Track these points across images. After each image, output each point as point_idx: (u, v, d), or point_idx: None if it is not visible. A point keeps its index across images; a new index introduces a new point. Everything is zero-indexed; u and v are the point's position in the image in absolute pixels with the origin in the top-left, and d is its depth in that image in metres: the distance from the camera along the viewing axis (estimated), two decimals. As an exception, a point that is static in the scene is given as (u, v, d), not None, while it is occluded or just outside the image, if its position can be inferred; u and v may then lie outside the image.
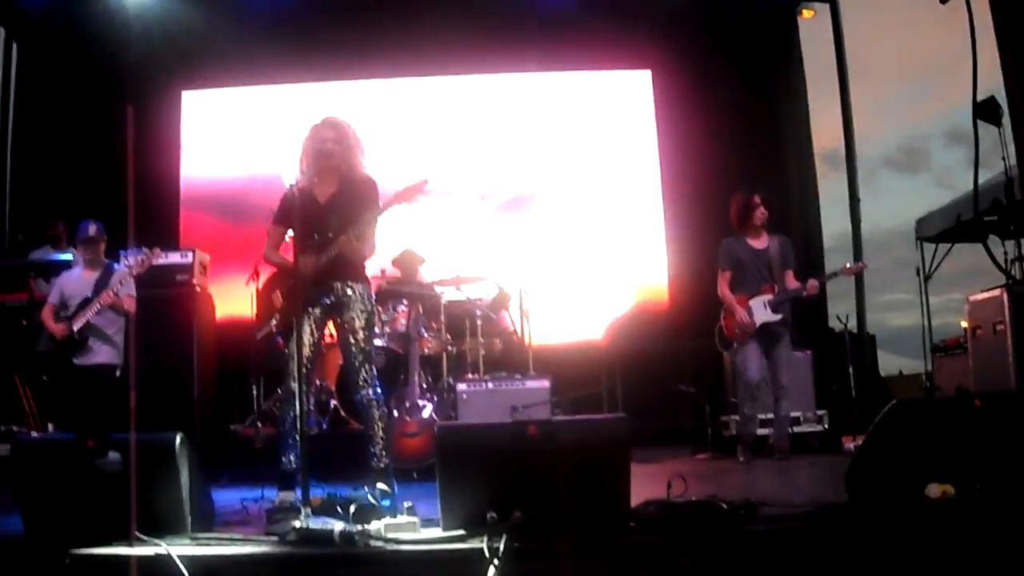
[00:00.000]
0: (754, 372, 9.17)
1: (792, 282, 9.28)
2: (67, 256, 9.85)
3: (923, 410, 5.51)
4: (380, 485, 6.49)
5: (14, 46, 13.46)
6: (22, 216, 12.90)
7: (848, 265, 9.62)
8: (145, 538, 4.97)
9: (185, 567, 4.75)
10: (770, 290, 9.22)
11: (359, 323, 6.68)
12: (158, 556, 4.86)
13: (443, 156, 12.90)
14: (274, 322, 7.06)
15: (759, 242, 9.39)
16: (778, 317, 9.17)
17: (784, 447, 9.17)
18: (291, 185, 6.45)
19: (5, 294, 10.39)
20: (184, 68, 13.22)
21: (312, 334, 6.67)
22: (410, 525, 5.24)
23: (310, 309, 6.63)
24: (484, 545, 4.68)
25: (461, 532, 5.03)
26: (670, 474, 5.70)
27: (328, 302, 6.70)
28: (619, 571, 4.72)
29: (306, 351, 6.60)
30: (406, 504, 5.53)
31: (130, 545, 4.85)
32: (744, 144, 12.79)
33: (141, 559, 4.84)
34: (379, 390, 6.73)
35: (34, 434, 9.10)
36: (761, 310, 9.19)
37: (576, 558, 4.72)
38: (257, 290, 10.10)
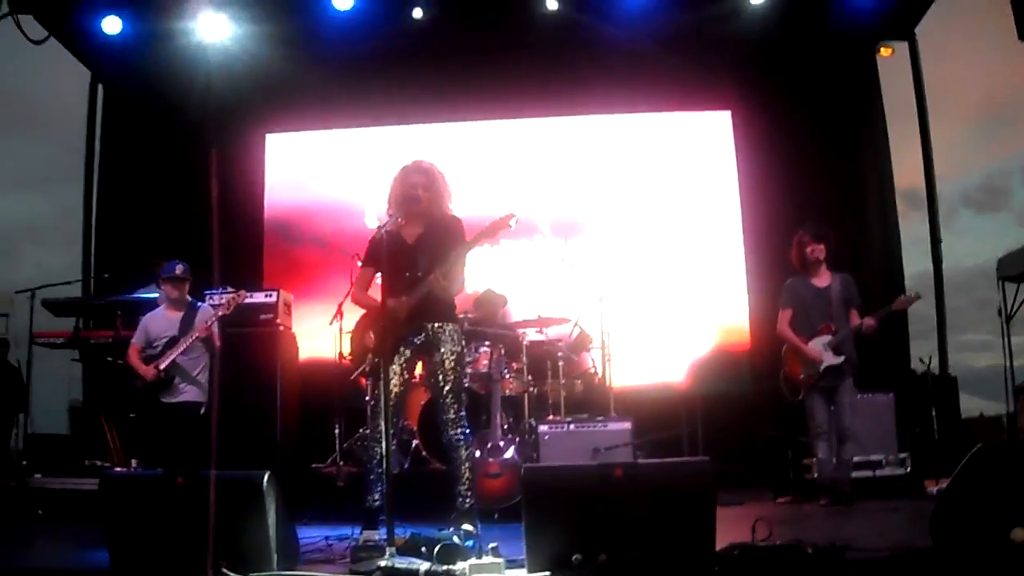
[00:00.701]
0: (822, 416, 9.12)
1: (855, 319, 9.20)
2: (152, 295, 9.97)
3: (1008, 453, 5.41)
4: (465, 525, 6.49)
5: (99, 88, 13.71)
6: (108, 257, 13.09)
7: (901, 298, 9.41)
8: (232, 574, 5.00)
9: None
10: (827, 329, 9.16)
11: (449, 363, 6.71)
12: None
13: (525, 197, 12.92)
14: (367, 365, 7.07)
15: (821, 280, 9.34)
16: (840, 359, 9.08)
17: (846, 489, 9.02)
18: (379, 227, 6.50)
19: (92, 331, 10.55)
20: (267, 111, 13.41)
21: (402, 375, 6.71)
22: (495, 566, 5.24)
23: (401, 349, 6.67)
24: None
25: (547, 574, 5.00)
26: (753, 518, 5.65)
27: (419, 342, 6.73)
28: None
29: (395, 390, 6.63)
30: (490, 545, 5.52)
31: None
32: (824, 184, 12.71)
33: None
34: (467, 431, 6.74)
35: (118, 470, 9.20)
36: (823, 352, 9.12)
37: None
38: (341, 330, 10.17)
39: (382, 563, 5.08)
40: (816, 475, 9.34)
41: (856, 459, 9.40)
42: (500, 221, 6.51)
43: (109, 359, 9.90)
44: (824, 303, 9.25)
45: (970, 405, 14.29)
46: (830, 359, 9.07)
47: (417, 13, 12.44)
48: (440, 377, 6.70)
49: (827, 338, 9.12)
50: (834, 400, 9.13)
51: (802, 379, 9.18)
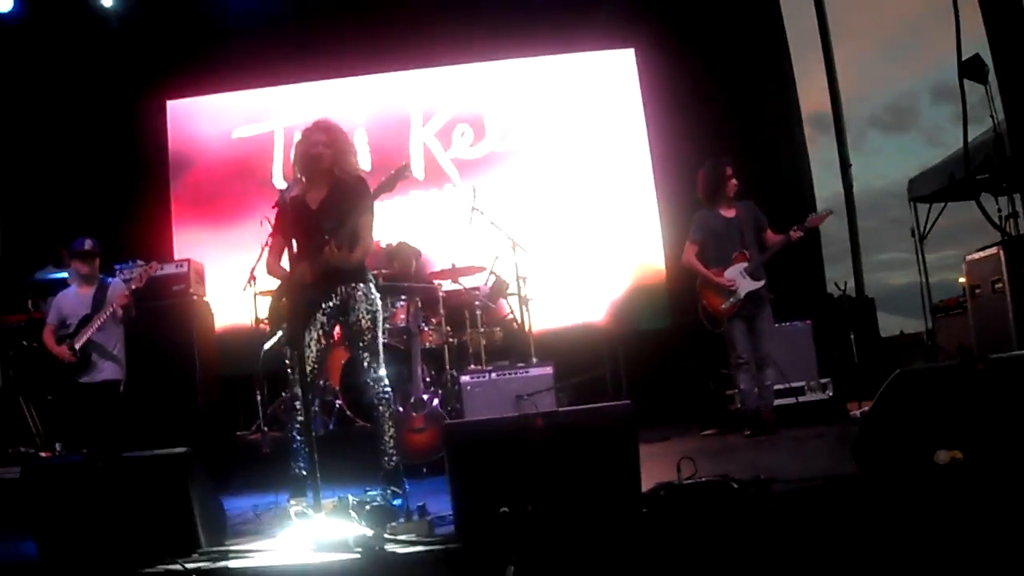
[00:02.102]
0: (743, 346, 9.20)
1: (772, 237, 9.30)
2: (63, 275, 9.84)
3: (927, 378, 5.48)
4: (391, 486, 6.50)
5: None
6: (15, 239, 12.87)
7: (813, 216, 9.45)
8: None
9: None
10: (741, 258, 9.24)
11: (365, 323, 6.68)
12: (175, 572, 4.88)
13: (432, 146, 12.94)
14: (283, 335, 7.02)
15: (728, 211, 9.43)
16: (760, 284, 9.18)
17: (770, 417, 9.16)
18: (282, 192, 6.46)
19: (4, 316, 10.41)
20: (165, 77, 13.16)
21: (319, 340, 6.68)
22: (422, 526, 5.26)
23: (315, 315, 6.64)
24: (498, 544, 4.69)
25: (475, 531, 5.03)
26: (679, 455, 5.71)
27: (332, 305, 6.69)
28: (634, 558, 4.73)
29: (312, 355, 6.62)
30: (418, 504, 5.55)
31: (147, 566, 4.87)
32: (731, 115, 12.79)
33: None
34: (388, 389, 6.73)
35: (43, 455, 9.11)
36: (741, 279, 9.20)
37: (590, 549, 4.73)
38: (255, 295, 10.10)
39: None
40: (739, 405, 9.48)
41: (778, 387, 9.52)
42: (396, 172, 6.44)
43: (24, 343, 9.78)
44: (735, 232, 9.32)
45: (889, 324, 14.60)
46: (749, 284, 9.16)
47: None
48: (357, 338, 6.68)
49: (743, 264, 9.20)
50: (753, 329, 9.23)
51: (723, 309, 9.24)
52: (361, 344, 6.68)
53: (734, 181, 9.38)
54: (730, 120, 12.71)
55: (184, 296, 9.93)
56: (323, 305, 6.65)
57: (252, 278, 10.09)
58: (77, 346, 8.58)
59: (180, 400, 9.56)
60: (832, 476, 5.56)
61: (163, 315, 9.75)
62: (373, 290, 6.80)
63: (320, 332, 6.68)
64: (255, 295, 10.19)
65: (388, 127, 12.96)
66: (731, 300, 9.20)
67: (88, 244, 8.93)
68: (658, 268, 12.77)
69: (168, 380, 9.54)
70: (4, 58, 13.10)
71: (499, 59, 13.27)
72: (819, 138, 13.15)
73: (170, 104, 13.36)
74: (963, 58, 7.58)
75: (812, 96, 13.45)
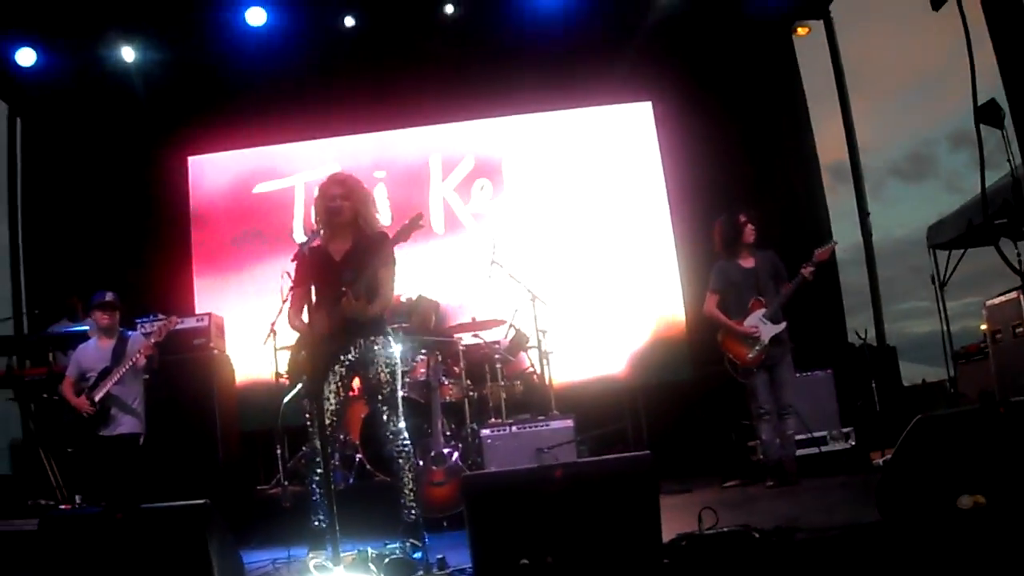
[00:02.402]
0: (764, 396, 9.20)
1: (785, 291, 9.30)
2: (84, 328, 9.87)
3: (948, 423, 5.45)
4: (411, 539, 6.46)
5: (18, 122, 13.54)
6: (37, 291, 12.94)
7: (818, 250, 9.38)
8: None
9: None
10: (759, 304, 9.26)
11: (384, 376, 6.67)
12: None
13: (452, 200, 12.97)
14: (302, 387, 7.00)
15: (747, 261, 9.46)
16: (782, 326, 9.19)
17: (792, 468, 9.13)
18: (301, 245, 6.48)
19: (26, 369, 10.45)
20: (188, 133, 13.26)
21: (338, 393, 6.67)
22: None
23: (334, 368, 6.63)
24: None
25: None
26: (700, 505, 5.67)
27: (350, 358, 6.69)
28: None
29: (331, 408, 6.61)
30: (438, 556, 5.52)
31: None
32: (749, 165, 12.82)
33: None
34: (408, 442, 6.71)
35: (63, 507, 9.10)
36: (762, 326, 9.21)
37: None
38: (275, 348, 10.10)
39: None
40: (761, 456, 9.42)
41: (800, 437, 9.49)
42: (410, 223, 6.45)
43: (44, 395, 9.81)
44: (753, 281, 9.34)
45: (912, 372, 14.48)
46: (771, 329, 9.17)
47: (349, 22, 12.51)
48: (376, 392, 6.67)
49: (762, 311, 9.21)
50: (774, 379, 9.22)
51: (750, 359, 9.21)
52: (380, 398, 6.67)
53: (750, 227, 9.41)
54: (748, 170, 12.77)
55: (204, 350, 9.97)
56: (341, 358, 6.65)
57: (272, 332, 10.09)
58: (96, 398, 8.59)
59: (200, 454, 9.56)
60: (854, 524, 5.52)
61: (183, 369, 9.77)
62: (391, 343, 6.80)
63: (339, 384, 6.67)
64: (275, 349, 10.18)
65: (408, 181, 12.98)
66: (757, 348, 9.20)
67: (109, 296, 8.98)
68: (678, 319, 12.70)
69: (188, 434, 9.55)
70: (27, 111, 13.25)
71: (518, 113, 13.28)
72: (839, 187, 13.13)
73: (191, 160, 13.41)
74: (979, 103, 7.56)
75: (831, 146, 13.46)
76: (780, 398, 9.22)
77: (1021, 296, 9.39)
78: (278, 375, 10.21)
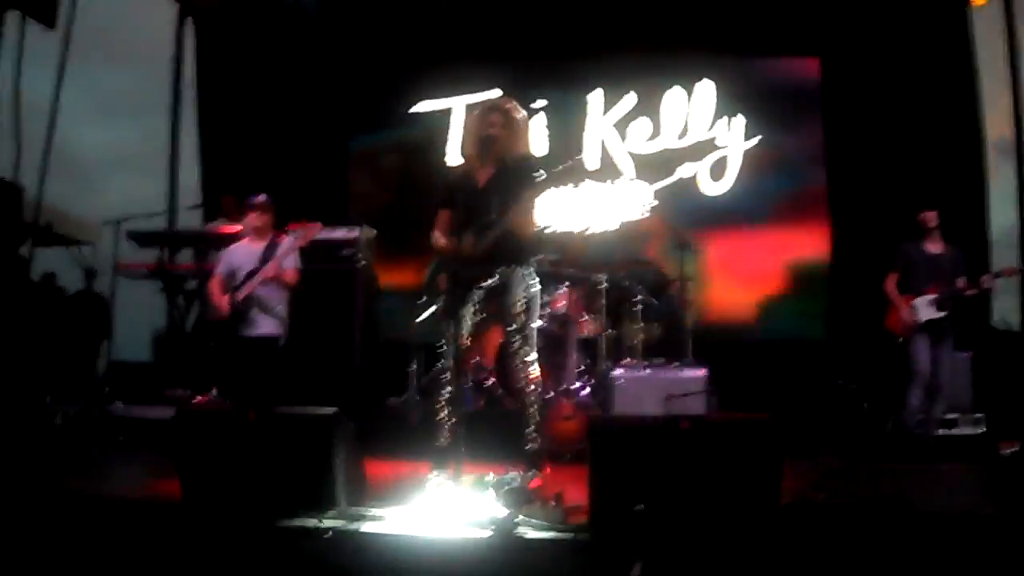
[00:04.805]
0: (924, 361, 9.27)
1: (961, 282, 9.32)
2: (238, 228, 10.06)
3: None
4: (532, 469, 6.50)
5: (188, 21, 13.85)
6: (190, 190, 13.25)
7: (1005, 267, 9.55)
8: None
9: (336, 542, 4.85)
10: (934, 290, 9.27)
11: (520, 306, 6.67)
12: (310, 528, 4.98)
13: (607, 138, 12.89)
14: (440, 308, 7.05)
15: (936, 247, 9.50)
16: (942, 314, 9.23)
17: (928, 445, 9.17)
18: (451, 168, 6.50)
19: (176, 264, 10.71)
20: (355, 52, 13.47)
21: (475, 316, 6.71)
22: (557, 513, 5.27)
23: (473, 291, 6.67)
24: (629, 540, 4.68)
25: (608, 525, 5.02)
26: (820, 475, 5.63)
27: (490, 284, 6.71)
28: (763, 569, 4.67)
29: (466, 332, 6.66)
30: (555, 492, 5.55)
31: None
32: (913, 135, 12.46)
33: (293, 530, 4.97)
34: (537, 373, 6.73)
35: (198, 399, 9.33)
36: (925, 307, 9.27)
37: (722, 558, 4.68)
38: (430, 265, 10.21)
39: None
40: (904, 418, 9.43)
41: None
42: (570, 165, 6.45)
43: (192, 290, 10.05)
44: (933, 267, 9.41)
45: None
46: (930, 313, 9.27)
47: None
48: (510, 320, 6.68)
49: (932, 296, 9.28)
50: (936, 352, 9.30)
51: (901, 330, 9.41)
52: (514, 327, 6.69)
53: (922, 216, 9.50)
54: (913, 140, 12.39)
55: (352, 261, 10.07)
56: (482, 283, 6.67)
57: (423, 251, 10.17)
58: (240, 298, 8.73)
59: (337, 361, 9.73)
60: (972, 514, 5.42)
61: (330, 278, 9.93)
62: (533, 274, 6.80)
63: (477, 307, 6.70)
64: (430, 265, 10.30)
65: (567, 113, 12.91)
66: (910, 322, 9.31)
67: (261, 198, 9.08)
68: (823, 279, 12.52)
69: (327, 341, 9.73)
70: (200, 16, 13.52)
71: (681, 54, 13.09)
72: (1002, 166, 12.67)
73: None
74: None
75: (997, 121, 13.00)
76: (937, 377, 9.29)
77: None
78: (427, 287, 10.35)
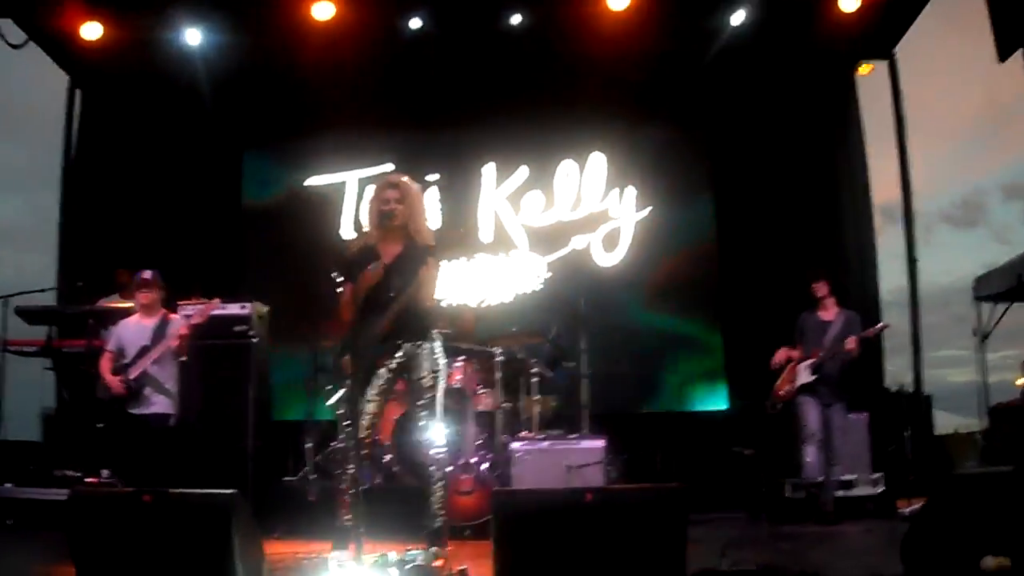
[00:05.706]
0: (815, 422, 9.46)
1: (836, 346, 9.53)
2: (129, 304, 9.91)
3: (979, 483, 5.40)
4: (434, 546, 6.44)
5: (77, 93, 13.61)
6: (83, 264, 12.96)
7: (870, 329, 9.69)
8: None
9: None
10: (815, 354, 9.54)
11: (428, 381, 6.68)
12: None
13: (504, 212, 12.91)
14: (345, 392, 6.99)
15: (827, 314, 9.75)
16: (813, 378, 9.49)
17: (829, 509, 9.29)
18: (350, 243, 6.49)
19: (66, 340, 10.50)
20: (244, 123, 13.41)
21: (379, 397, 6.69)
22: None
23: (379, 372, 6.64)
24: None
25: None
26: (724, 541, 5.64)
27: (396, 362, 6.70)
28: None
29: (370, 411, 6.63)
30: (460, 568, 5.50)
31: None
32: (803, 201, 12.69)
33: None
34: (442, 449, 6.71)
35: (88, 480, 9.15)
36: (804, 372, 9.57)
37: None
38: (315, 346, 10.12)
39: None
40: (802, 478, 9.58)
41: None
42: (457, 239, 6.50)
43: (82, 368, 9.86)
44: (821, 334, 9.63)
45: (945, 421, 14.36)
46: (805, 377, 9.53)
47: (415, 23, 12.39)
48: (417, 396, 6.67)
49: (811, 360, 9.51)
50: (828, 418, 9.48)
51: (780, 395, 9.73)
52: (421, 402, 6.67)
53: (812, 286, 9.74)
54: (801, 207, 12.62)
55: (244, 338, 9.96)
56: (387, 362, 6.65)
57: (314, 326, 10.10)
58: (132, 376, 8.61)
59: (230, 441, 9.60)
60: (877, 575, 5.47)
61: (221, 354, 9.82)
62: (438, 349, 6.80)
63: (383, 387, 6.68)
64: (315, 346, 10.21)
65: (461, 187, 12.91)
66: (787, 388, 9.67)
67: (147, 274, 9.01)
68: (716, 351, 12.65)
69: (220, 419, 9.60)
70: (88, 85, 13.35)
71: (573, 128, 13.21)
72: (889, 229, 12.97)
73: (247, 153, 13.59)
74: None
75: (885, 187, 13.32)
76: (831, 442, 9.47)
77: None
78: (315, 369, 10.24)
